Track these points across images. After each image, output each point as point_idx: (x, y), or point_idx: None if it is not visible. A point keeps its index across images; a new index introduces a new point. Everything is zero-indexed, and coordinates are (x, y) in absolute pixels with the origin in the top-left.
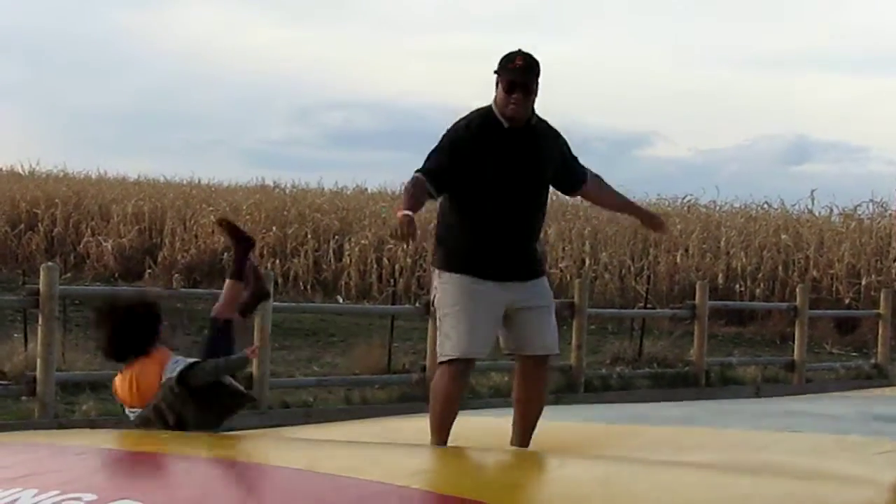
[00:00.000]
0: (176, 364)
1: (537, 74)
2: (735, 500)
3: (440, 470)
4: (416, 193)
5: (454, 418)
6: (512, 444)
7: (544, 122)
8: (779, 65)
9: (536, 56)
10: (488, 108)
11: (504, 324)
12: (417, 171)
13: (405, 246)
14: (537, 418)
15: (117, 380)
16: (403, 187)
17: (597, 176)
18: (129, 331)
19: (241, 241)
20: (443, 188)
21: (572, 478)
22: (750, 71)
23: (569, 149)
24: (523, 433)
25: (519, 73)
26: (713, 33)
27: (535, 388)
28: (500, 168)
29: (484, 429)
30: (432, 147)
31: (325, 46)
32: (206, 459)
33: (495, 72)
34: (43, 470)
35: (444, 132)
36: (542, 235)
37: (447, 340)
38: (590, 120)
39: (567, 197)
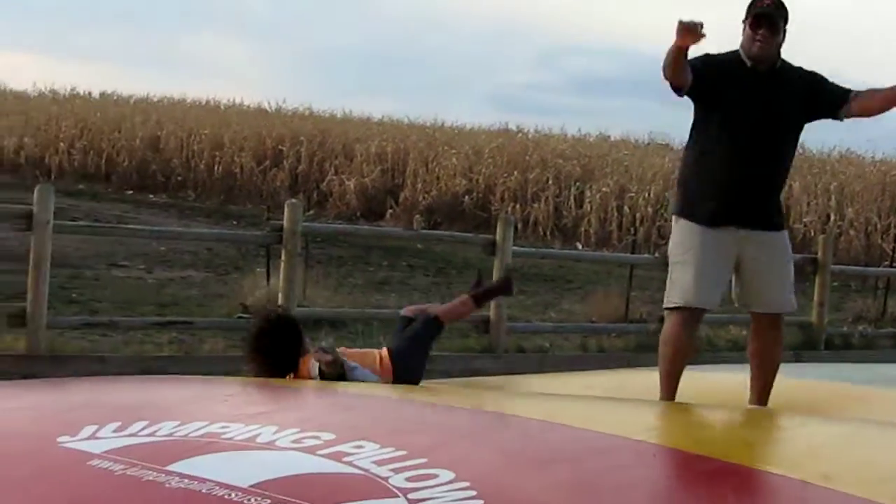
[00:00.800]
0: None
1: (786, 16)
2: None
3: (675, 425)
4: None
5: (682, 368)
6: (750, 402)
7: (793, 66)
8: None
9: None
10: (735, 51)
11: (737, 276)
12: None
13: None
14: (773, 376)
15: None
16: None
17: (858, 93)
18: (281, 353)
19: (505, 290)
20: (692, 87)
21: (812, 436)
22: None
23: (823, 79)
24: (760, 391)
25: (766, 8)
26: None
27: (768, 346)
28: (743, 109)
29: (721, 385)
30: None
31: None
32: (446, 407)
33: (743, 20)
34: (283, 408)
35: None
36: (784, 188)
37: (674, 287)
38: (848, 72)
39: (814, 150)
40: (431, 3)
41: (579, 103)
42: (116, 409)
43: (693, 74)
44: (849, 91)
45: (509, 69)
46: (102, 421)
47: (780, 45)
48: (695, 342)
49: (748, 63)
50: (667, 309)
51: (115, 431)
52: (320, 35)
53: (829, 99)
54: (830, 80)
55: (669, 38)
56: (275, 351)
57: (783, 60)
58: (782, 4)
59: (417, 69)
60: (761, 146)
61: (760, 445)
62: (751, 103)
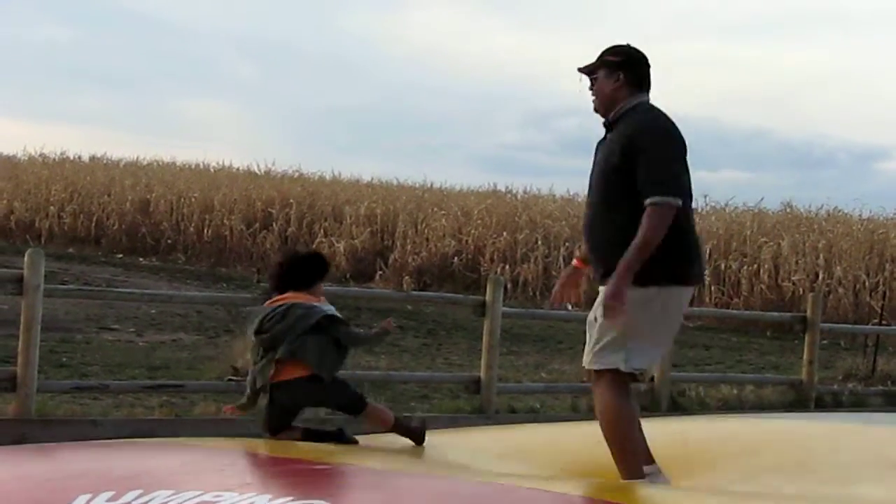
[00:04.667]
0: (331, 308)
1: (598, 65)
2: None
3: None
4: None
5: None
6: None
7: (633, 117)
8: None
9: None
10: None
11: None
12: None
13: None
14: (612, 444)
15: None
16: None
17: (655, 208)
18: (299, 267)
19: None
20: None
21: None
22: None
23: (647, 150)
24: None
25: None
26: None
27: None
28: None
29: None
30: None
31: (561, 51)
32: (455, 479)
33: None
34: (276, 475)
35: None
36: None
37: (642, 352)
38: (833, 131)
39: (801, 208)
40: (420, 65)
41: (569, 164)
42: (110, 478)
43: None
44: (646, 194)
45: (498, 130)
46: (97, 490)
47: (606, 92)
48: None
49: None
50: (615, 372)
51: (108, 501)
52: (309, 98)
53: (637, 178)
54: (650, 163)
55: (666, 101)
56: (294, 264)
57: (624, 110)
58: (603, 54)
59: (406, 130)
60: (591, 199)
61: None
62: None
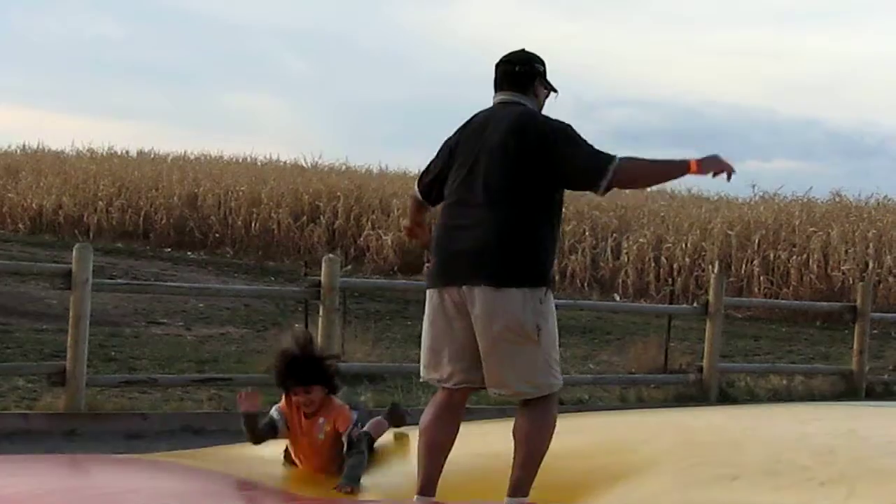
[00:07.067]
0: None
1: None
2: None
3: None
4: None
5: None
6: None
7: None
8: None
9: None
10: None
11: None
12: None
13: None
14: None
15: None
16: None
17: None
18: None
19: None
20: None
21: None
22: None
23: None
24: (513, 480)
25: None
26: None
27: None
28: None
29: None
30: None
31: (608, 42)
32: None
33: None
34: None
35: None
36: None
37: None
38: (885, 120)
39: (851, 197)
40: (468, 56)
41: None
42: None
43: None
44: None
45: None
46: None
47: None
48: None
49: None
50: (548, 395)
51: None
52: (356, 90)
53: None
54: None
55: (712, 90)
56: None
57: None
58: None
59: (454, 123)
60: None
61: None
62: None
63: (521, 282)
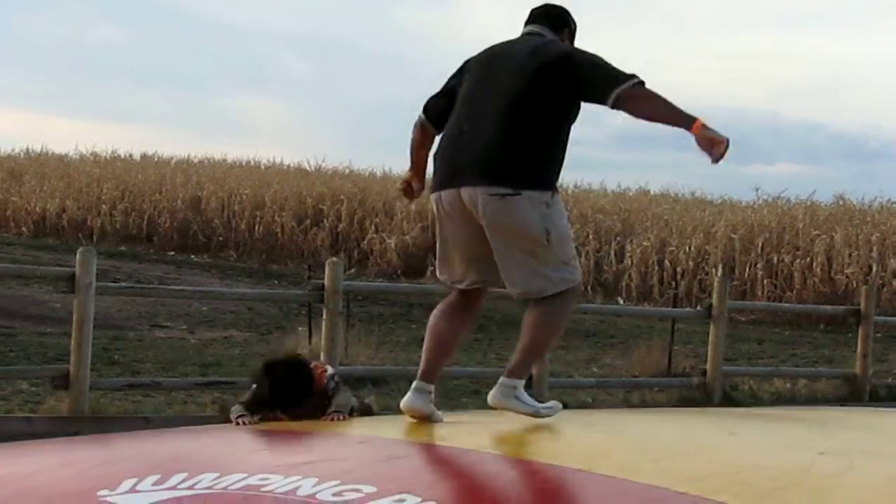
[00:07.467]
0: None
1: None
2: None
3: None
4: None
5: None
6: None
7: None
8: None
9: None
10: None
11: None
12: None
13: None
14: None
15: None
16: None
17: None
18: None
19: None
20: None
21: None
22: None
23: None
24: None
25: None
26: None
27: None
28: None
29: None
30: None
31: (610, 46)
32: (486, 454)
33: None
34: (323, 458)
35: None
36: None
37: (572, 265)
38: (888, 123)
39: (854, 201)
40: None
41: (620, 158)
42: (156, 462)
43: None
44: None
45: None
46: (142, 474)
47: None
48: None
49: None
50: (564, 291)
51: (154, 484)
52: (359, 94)
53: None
54: None
55: (718, 93)
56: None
57: None
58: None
59: None
60: None
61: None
62: None
63: (526, 186)
